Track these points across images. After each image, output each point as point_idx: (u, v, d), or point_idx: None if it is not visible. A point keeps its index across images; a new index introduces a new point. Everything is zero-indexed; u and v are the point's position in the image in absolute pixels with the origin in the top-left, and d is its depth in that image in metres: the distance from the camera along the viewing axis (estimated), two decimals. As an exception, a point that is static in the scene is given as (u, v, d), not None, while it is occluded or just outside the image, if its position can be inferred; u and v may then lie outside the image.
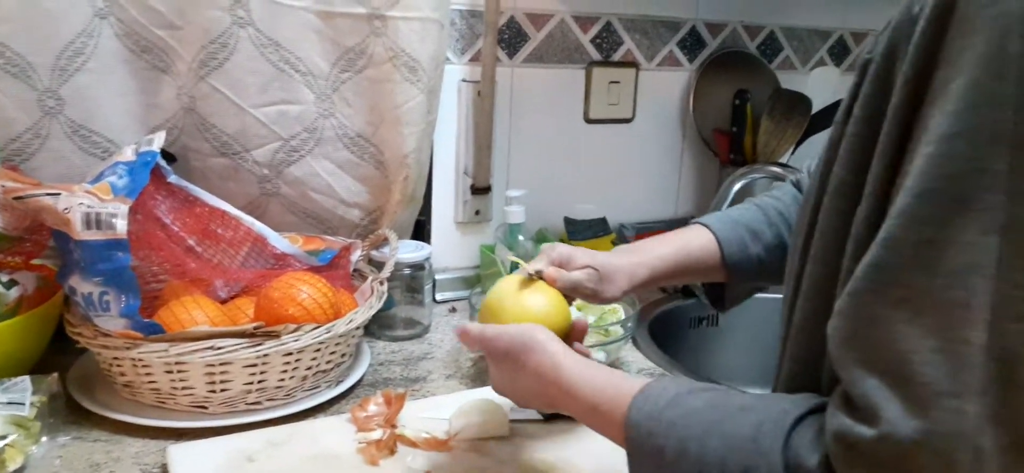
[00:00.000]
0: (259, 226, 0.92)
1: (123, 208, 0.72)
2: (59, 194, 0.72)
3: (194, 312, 0.79)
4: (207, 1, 0.91)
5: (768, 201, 0.80)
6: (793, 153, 1.27)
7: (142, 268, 0.84)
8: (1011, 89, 0.36)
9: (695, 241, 0.78)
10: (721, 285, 0.81)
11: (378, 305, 0.88)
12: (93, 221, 0.71)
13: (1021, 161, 0.36)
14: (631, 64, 1.27)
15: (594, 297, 0.73)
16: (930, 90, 0.40)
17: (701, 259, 0.77)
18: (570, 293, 0.71)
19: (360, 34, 0.96)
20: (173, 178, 0.91)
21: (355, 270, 0.97)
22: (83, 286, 0.73)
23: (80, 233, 0.70)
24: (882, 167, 0.42)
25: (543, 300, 0.69)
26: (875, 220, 0.43)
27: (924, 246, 0.38)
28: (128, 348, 0.75)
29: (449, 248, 1.20)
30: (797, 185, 0.83)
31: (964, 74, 0.38)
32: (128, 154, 0.85)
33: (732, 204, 1.21)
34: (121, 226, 0.71)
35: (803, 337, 0.51)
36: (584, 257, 0.74)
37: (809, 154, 1.35)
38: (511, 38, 1.17)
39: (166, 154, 0.95)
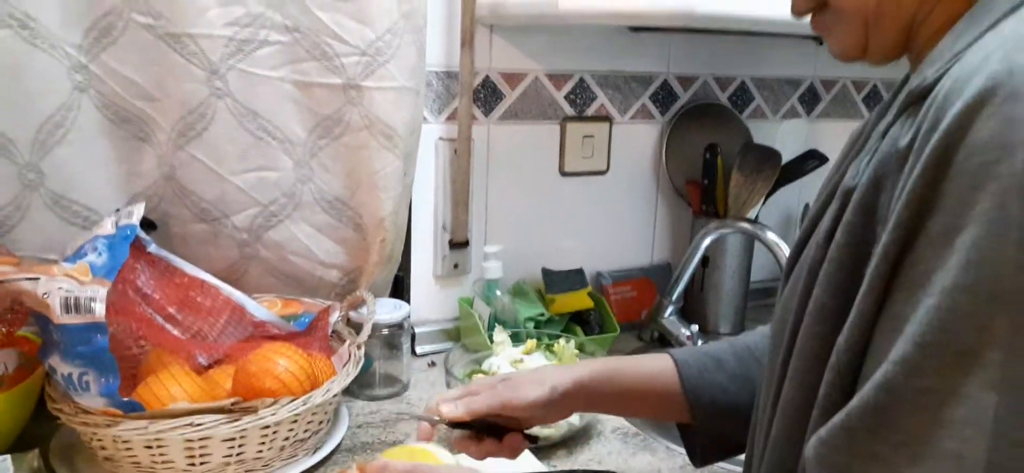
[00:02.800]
0: (238, 295, 0.94)
1: (102, 291, 0.74)
2: (38, 278, 0.73)
3: (173, 388, 0.80)
4: (185, 73, 0.93)
5: (739, 338, 0.77)
6: (764, 204, 1.30)
7: (123, 335, 0.86)
8: (1011, 251, 0.37)
9: (647, 360, 0.74)
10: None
11: (355, 372, 0.90)
12: (72, 305, 0.72)
13: (1020, 320, 0.37)
14: (604, 118, 1.30)
15: (506, 408, 0.68)
16: (925, 233, 0.40)
17: (651, 377, 0.72)
18: (475, 418, 0.67)
19: (337, 103, 0.98)
20: (153, 248, 0.93)
21: (333, 331, 0.99)
22: (63, 367, 0.75)
23: (60, 317, 0.72)
24: (870, 302, 0.43)
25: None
26: (858, 351, 0.44)
27: (924, 395, 0.39)
28: (108, 425, 0.76)
29: (428, 301, 1.22)
30: None
31: (966, 230, 0.38)
32: (108, 227, 0.87)
33: (704, 256, 1.25)
34: (100, 310, 0.73)
35: (776, 455, 0.52)
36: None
37: (779, 205, 1.39)
38: (487, 97, 1.20)
39: (147, 221, 0.96)
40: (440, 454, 0.72)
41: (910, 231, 0.41)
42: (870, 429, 0.41)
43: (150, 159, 0.97)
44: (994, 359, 0.38)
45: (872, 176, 0.46)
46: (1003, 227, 0.37)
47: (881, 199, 0.45)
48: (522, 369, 0.98)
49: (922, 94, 0.45)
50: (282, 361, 0.83)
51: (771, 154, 1.28)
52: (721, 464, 0.81)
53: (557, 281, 1.24)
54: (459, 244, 1.21)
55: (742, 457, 0.67)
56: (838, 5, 0.52)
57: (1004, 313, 0.37)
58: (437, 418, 0.67)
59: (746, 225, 1.14)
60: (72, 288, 0.73)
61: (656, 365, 0.73)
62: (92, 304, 0.72)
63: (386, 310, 1.05)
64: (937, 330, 0.39)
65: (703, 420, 0.72)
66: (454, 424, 0.67)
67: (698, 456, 0.75)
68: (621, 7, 0.90)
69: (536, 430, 0.78)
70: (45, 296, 0.72)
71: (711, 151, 1.29)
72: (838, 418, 0.43)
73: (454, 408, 0.67)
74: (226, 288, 0.94)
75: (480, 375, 0.96)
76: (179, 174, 0.97)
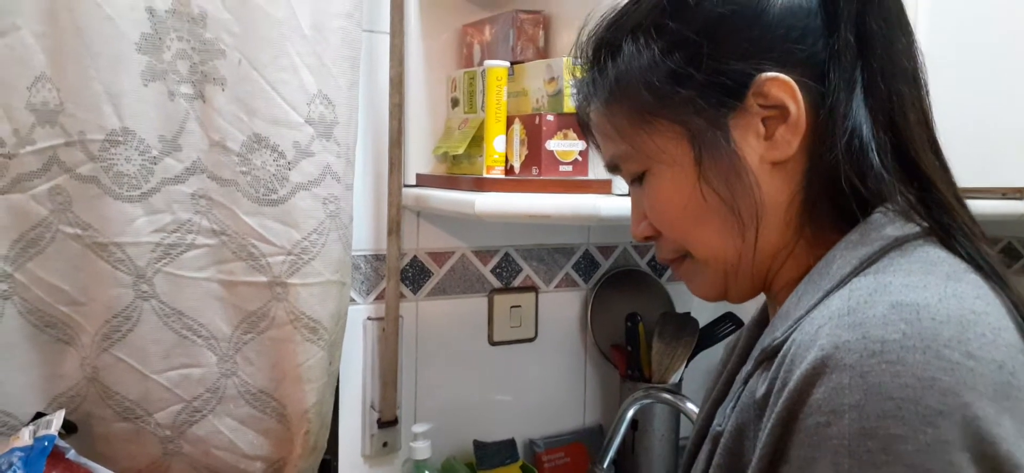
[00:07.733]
0: (156, 502, 0.93)
1: (9, 521, 0.73)
2: (-56, 511, 0.73)
3: None
4: (111, 279, 0.95)
5: None
6: (686, 367, 1.35)
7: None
8: None
9: None
10: None
11: None
12: (-23, 539, 0.72)
13: None
14: (531, 289, 1.36)
15: None
16: None
17: None
18: None
19: (262, 299, 1.02)
20: (71, 454, 0.92)
21: (256, 529, 0.98)
22: None
23: (-38, 552, 0.71)
24: None
25: None
26: None
27: None
28: None
29: (357, 483, 1.22)
30: None
31: None
32: (25, 438, 0.87)
33: (634, 419, 1.28)
34: (5, 542, 0.72)
35: None
36: None
37: (701, 368, 1.45)
38: (414, 275, 1.24)
39: (68, 423, 0.96)
40: None
41: None
42: None
43: (73, 361, 0.98)
44: None
45: (736, 423, 0.53)
46: None
47: (745, 445, 0.52)
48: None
49: (774, 351, 0.51)
50: None
51: (688, 321, 1.35)
52: None
53: (488, 455, 1.26)
54: (388, 422, 1.22)
55: None
56: (701, 257, 0.59)
57: None
58: None
59: (668, 396, 1.18)
60: (-22, 520, 0.72)
61: None
62: (-3, 536, 0.72)
63: (311, 501, 1.05)
64: None
65: None
66: None
67: None
68: (530, 210, 0.97)
69: None
70: (-52, 530, 0.72)
71: (632, 319, 1.34)
72: None
73: None
74: (144, 495, 0.93)
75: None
76: (102, 375, 0.98)
